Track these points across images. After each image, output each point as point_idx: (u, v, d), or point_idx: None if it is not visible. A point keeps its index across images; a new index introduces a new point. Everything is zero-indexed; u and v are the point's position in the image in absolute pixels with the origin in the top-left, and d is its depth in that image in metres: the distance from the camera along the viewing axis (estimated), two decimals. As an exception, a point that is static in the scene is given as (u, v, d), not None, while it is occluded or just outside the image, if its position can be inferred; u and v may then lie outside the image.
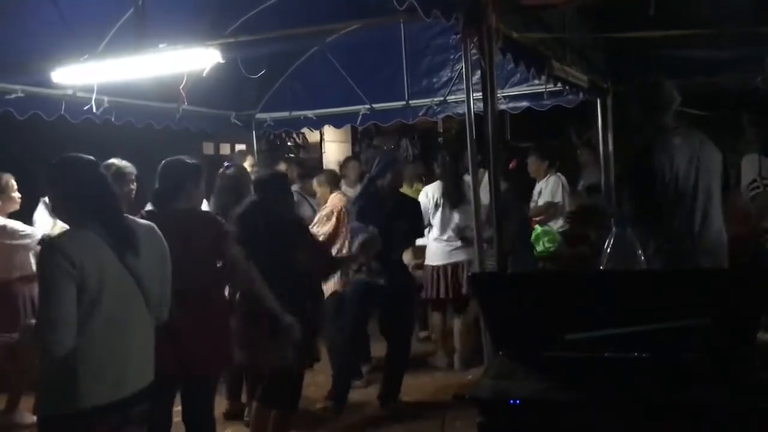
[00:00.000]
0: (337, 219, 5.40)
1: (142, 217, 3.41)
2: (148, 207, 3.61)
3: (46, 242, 2.57)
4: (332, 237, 5.35)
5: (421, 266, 6.07)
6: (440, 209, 5.83)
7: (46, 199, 4.83)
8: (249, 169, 6.03)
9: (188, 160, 3.67)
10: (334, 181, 5.93)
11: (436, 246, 5.91)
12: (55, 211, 2.67)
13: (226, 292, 4.11)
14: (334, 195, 5.61)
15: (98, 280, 2.43)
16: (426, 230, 5.87)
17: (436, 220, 5.85)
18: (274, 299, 3.72)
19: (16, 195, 4.89)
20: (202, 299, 3.44)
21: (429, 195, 5.91)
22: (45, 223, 4.97)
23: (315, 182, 6.14)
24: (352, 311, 5.08)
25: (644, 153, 3.77)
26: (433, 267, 5.91)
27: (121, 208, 2.68)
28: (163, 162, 3.69)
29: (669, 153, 3.69)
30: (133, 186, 4.62)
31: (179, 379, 3.41)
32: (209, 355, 3.49)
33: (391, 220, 4.90)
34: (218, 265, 3.66)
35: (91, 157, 2.66)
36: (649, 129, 3.86)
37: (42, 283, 2.42)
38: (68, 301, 2.37)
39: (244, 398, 5.03)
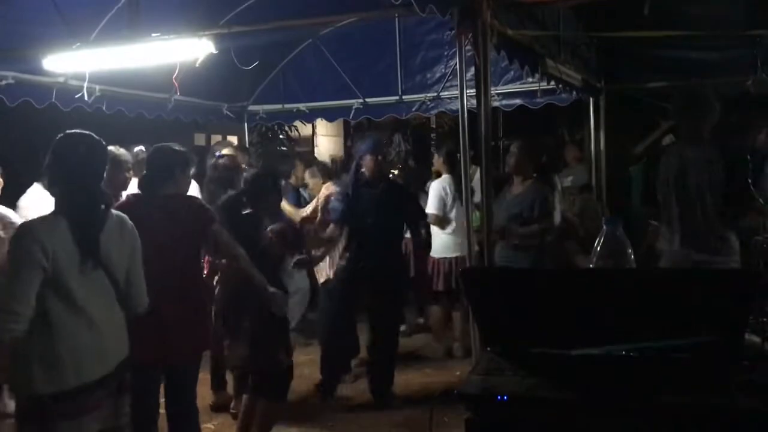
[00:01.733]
0: (318, 205, 5.63)
1: (128, 201, 3.44)
2: (134, 191, 3.61)
3: (22, 225, 2.58)
4: (307, 220, 5.63)
5: None
6: (456, 203, 5.83)
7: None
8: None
9: (177, 147, 3.69)
10: (326, 173, 5.97)
11: (442, 239, 5.92)
12: (48, 183, 2.70)
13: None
14: (326, 185, 5.70)
15: (68, 268, 2.46)
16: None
17: (452, 214, 5.86)
18: (260, 274, 3.70)
19: None
20: (183, 285, 3.45)
21: (447, 189, 5.90)
22: (33, 201, 4.92)
23: (308, 174, 6.17)
24: (335, 299, 5.07)
25: (658, 156, 3.90)
26: (436, 259, 5.95)
27: (103, 200, 2.67)
28: (152, 148, 3.72)
29: (682, 161, 3.80)
30: (129, 174, 4.60)
31: (160, 362, 3.40)
32: (188, 341, 3.49)
33: (378, 206, 4.87)
34: (201, 249, 3.66)
35: (98, 139, 2.67)
36: (683, 134, 4.01)
37: (10, 266, 2.44)
38: (30, 291, 2.39)
39: (230, 390, 5.03)
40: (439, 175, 6.16)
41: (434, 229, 5.99)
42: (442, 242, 5.94)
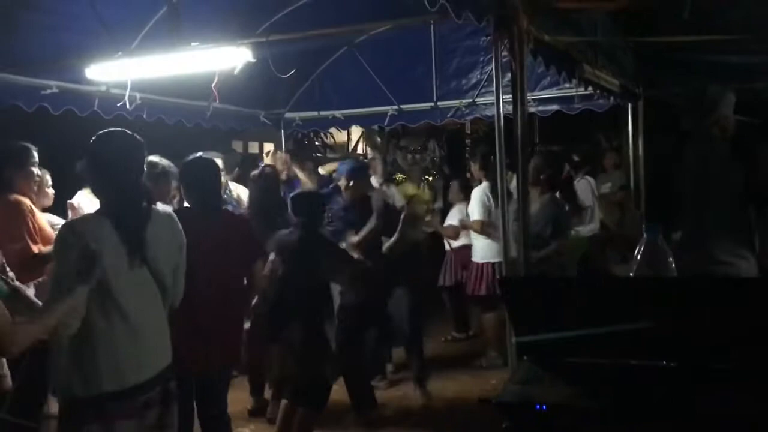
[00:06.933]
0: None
1: (182, 213, 3.42)
2: (186, 204, 3.69)
3: (65, 224, 2.59)
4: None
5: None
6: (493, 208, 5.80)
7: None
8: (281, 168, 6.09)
9: (208, 157, 3.77)
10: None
11: (485, 242, 5.89)
12: (89, 185, 2.72)
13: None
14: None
15: (112, 269, 2.45)
16: None
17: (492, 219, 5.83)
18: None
19: (51, 191, 4.95)
20: (223, 300, 3.48)
21: (488, 194, 5.89)
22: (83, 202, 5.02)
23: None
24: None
25: (671, 159, 3.77)
26: (477, 264, 5.93)
27: (145, 196, 2.64)
28: (188, 160, 3.76)
29: (693, 162, 3.68)
30: (174, 183, 4.61)
31: (192, 371, 3.42)
32: (221, 352, 3.53)
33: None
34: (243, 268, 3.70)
35: (131, 134, 2.64)
36: (694, 134, 3.85)
37: (56, 263, 2.45)
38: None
39: (267, 395, 5.06)
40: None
41: (476, 234, 5.98)
42: (485, 246, 5.89)
